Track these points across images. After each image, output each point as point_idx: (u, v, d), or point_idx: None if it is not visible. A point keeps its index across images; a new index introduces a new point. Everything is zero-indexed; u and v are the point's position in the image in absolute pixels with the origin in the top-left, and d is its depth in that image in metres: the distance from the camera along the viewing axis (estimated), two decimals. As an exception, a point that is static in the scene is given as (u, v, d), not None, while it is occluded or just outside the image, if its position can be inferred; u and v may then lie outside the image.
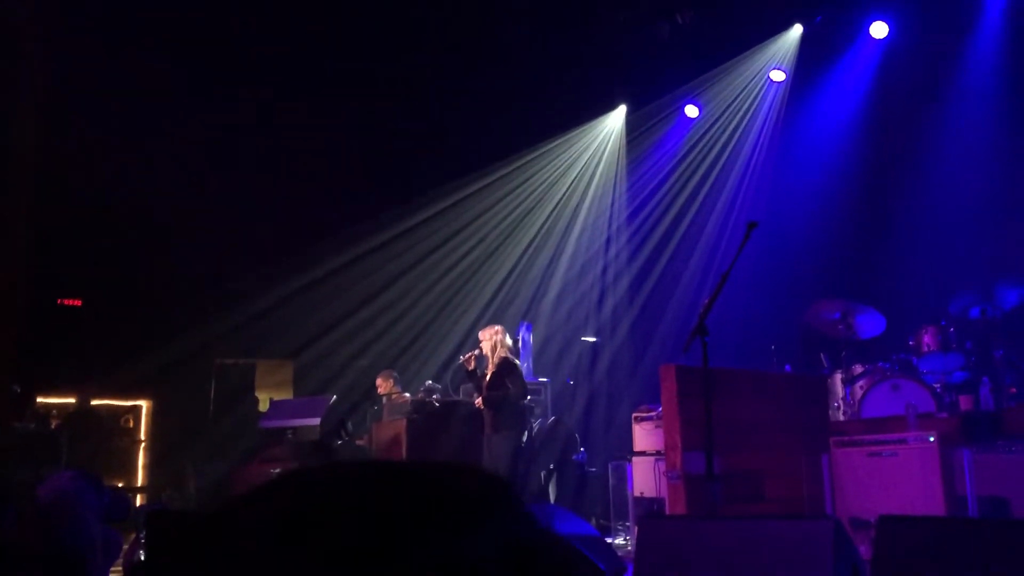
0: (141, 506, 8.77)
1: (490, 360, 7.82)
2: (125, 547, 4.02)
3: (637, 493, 7.37)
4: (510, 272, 12.49)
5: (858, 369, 7.51)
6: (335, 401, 9.48)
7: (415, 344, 11.99)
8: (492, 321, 8.92)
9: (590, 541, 4.92)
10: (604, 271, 12.59)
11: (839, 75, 10.73)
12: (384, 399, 9.45)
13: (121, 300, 11.07)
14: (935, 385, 7.07)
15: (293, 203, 11.57)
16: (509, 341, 8.01)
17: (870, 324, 7.83)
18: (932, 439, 5.76)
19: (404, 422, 8.63)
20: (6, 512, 3.30)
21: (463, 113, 11.44)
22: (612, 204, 12.78)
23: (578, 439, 9.44)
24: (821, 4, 10.59)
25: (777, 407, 6.63)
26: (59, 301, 11.32)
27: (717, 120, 11.82)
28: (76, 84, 9.26)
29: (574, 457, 9.17)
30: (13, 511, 3.36)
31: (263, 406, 11.20)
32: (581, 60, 11.21)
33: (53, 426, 9.65)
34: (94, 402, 10.93)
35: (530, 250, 12.62)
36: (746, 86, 11.59)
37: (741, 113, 11.67)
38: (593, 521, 8.58)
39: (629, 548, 7.00)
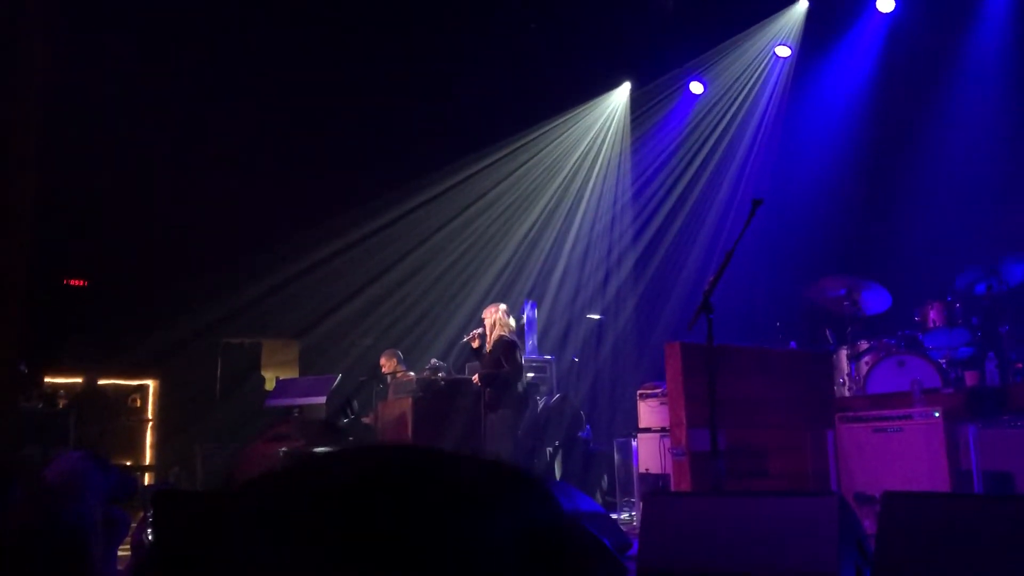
0: (149, 485, 8.82)
1: (488, 338, 7.86)
2: (133, 526, 4.04)
3: (642, 470, 7.40)
4: (515, 250, 12.48)
5: (863, 345, 7.50)
6: (341, 380, 9.50)
7: (420, 323, 12.01)
8: (497, 299, 8.93)
9: (596, 518, 4.95)
10: (609, 249, 12.57)
11: (845, 50, 10.66)
12: (389, 378, 9.47)
13: (127, 280, 11.08)
14: (941, 361, 7.07)
15: (298, 182, 11.55)
16: (510, 319, 8.02)
17: (876, 300, 7.82)
18: (937, 415, 5.77)
19: (409, 401, 8.65)
20: (12, 491, 3.32)
21: (466, 92, 11.38)
22: (617, 182, 12.74)
23: (583, 416, 9.47)
24: (827, -22, 10.52)
25: (782, 384, 6.63)
26: (65, 281, 11.33)
27: (722, 97, 11.76)
28: (79, 62, 9.22)
29: (579, 434, 9.20)
30: (20, 490, 3.38)
31: (269, 385, 11.23)
32: (585, 37, 11.13)
33: (60, 406, 9.69)
34: (101, 382, 10.97)
35: (535, 229, 12.60)
36: (751, 62, 11.52)
37: (746, 89, 11.61)
38: (598, 497, 8.62)
39: (634, 524, 7.03)
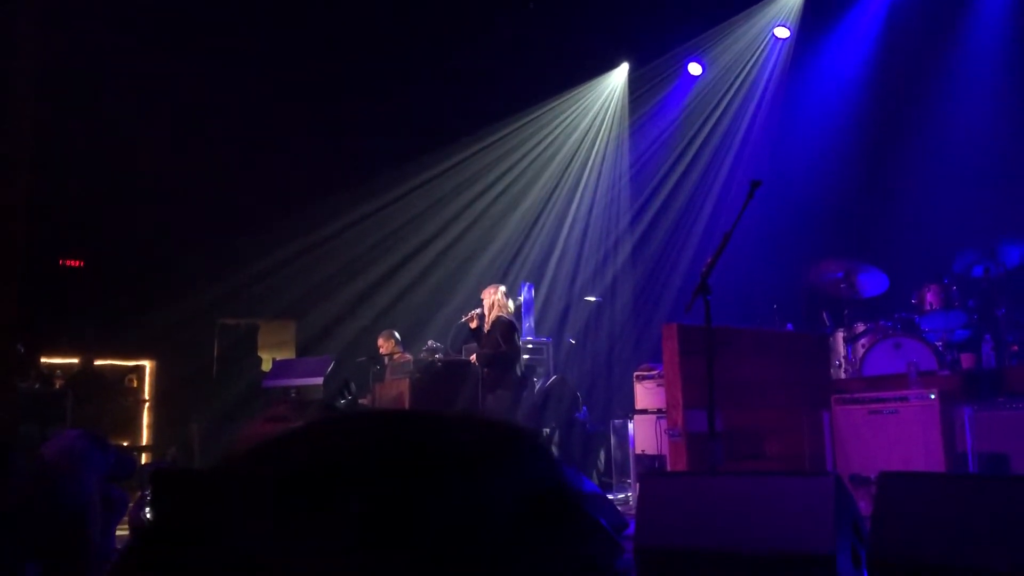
0: (146, 464, 8.83)
1: (487, 318, 7.87)
2: (131, 505, 4.05)
3: (638, 451, 7.42)
4: (513, 232, 12.47)
5: (860, 327, 7.52)
6: (338, 361, 9.50)
7: (418, 304, 12.00)
8: (495, 281, 8.93)
9: (592, 498, 4.96)
10: (607, 230, 12.57)
11: (844, 32, 10.62)
12: (386, 359, 9.48)
13: (123, 261, 11.06)
14: (937, 343, 7.09)
15: (295, 163, 11.52)
16: (509, 301, 8.02)
17: (873, 283, 7.83)
18: (933, 397, 5.79)
19: (407, 382, 8.66)
20: (11, 470, 3.32)
21: (465, 73, 11.34)
22: (615, 163, 12.72)
23: (580, 398, 9.48)
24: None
25: (779, 365, 6.65)
26: (61, 262, 11.30)
27: (721, 78, 11.72)
28: (76, 40, 9.17)
29: (576, 415, 9.22)
30: (19, 469, 3.38)
31: (266, 366, 11.24)
32: (583, 17, 11.08)
33: (57, 386, 9.69)
34: (98, 362, 10.97)
35: (533, 210, 12.58)
36: (750, 43, 11.47)
37: (745, 71, 11.57)
38: (595, 478, 8.65)
39: (631, 505, 7.06)
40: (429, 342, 9.46)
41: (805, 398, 6.58)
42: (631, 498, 7.39)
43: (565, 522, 0.52)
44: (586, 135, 12.76)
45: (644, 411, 7.47)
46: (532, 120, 12.44)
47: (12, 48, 7.75)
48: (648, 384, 7.52)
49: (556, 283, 12.06)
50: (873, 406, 6.05)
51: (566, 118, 12.66)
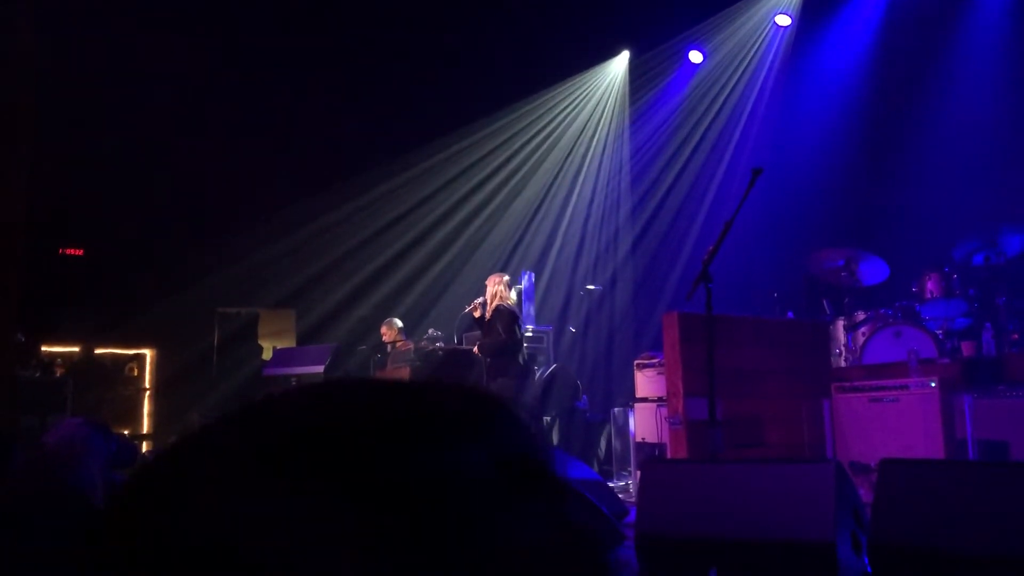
0: (147, 453, 8.84)
1: (489, 307, 7.87)
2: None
3: (639, 439, 7.43)
4: (514, 220, 12.46)
5: (860, 316, 7.52)
6: (337, 349, 9.51)
7: (418, 292, 12.01)
8: (496, 269, 8.93)
9: (593, 485, 4.97)
10: (608, 219, 12.56)
11: (845, 20, 10.60)
12: (389, 347, 9.49)
13: (123, 249, 11.06)
14: (937, 331, 7.09)
15: (296, 150, 11.50)
16: (511, 290, 8.02)
17: (873, 271, 7.82)
18: (933, 385, 5.79)
19: (407, 370, 8.68)
20: (13, 458, 3.33)
21: (466, 61, 11.31)
22: (616, 151, 12.70)
23: (580, 386, 9.49)
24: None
25: (779, 353, 6.65)
26: (61, 250, 11.30)
27: (721, 66, 11.69)
28: (76, 29, 9.15)
29: (576, 404, 9.23)
30: (20, 456, 3.39)
31: (266, 354, 11.25)
32: (583, 5, 11.05)
33: (58, 375, 9.70)
34: (98, 351, 10.97)
35: (534, 198, 12.57)
36: (751, 31, 11.44)
37: (746, 59, 11.54)
38: (595, 467, 8.66)
39: (631, 493, 7.07)
40: (430, 331, 9.48)
41: (805, 386, 6.59)
42: (631, 486, 7.40)
43: (545, 489, 0.52)
44: (587, 123, 12.74)
45: (645, 399, 7.47)
46: (533, 109, 12.42)
47: (14, 40, 7.74)
48: (648, 372, 7.52)
49: (557, 271, 12.06)
50: (873, 394, 6.05)
51: (567, 106, 12.64)
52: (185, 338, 11.47)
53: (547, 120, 12.57)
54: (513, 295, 8.06)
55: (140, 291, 10.83)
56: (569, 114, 12.67)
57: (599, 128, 12.75)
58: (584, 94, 12.68)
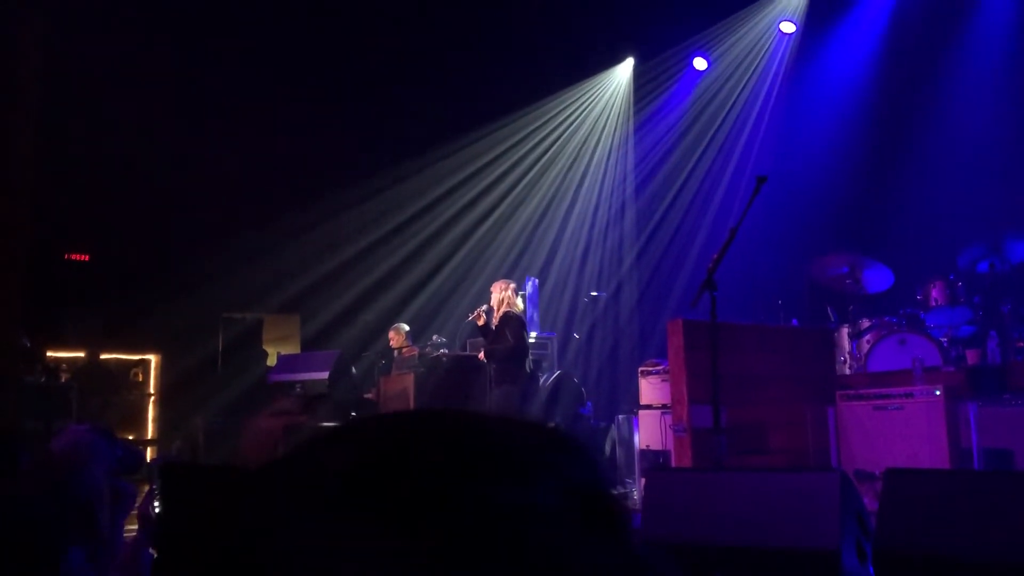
0: (153, 459, 8.85)
1: (496, 314, 7.86)
2: (140, 498, 4.07)
3: (643, 446, 7.42)
4: (518, 227, 12.46)
5: (865, 323, 7.51)
6: (341, 355, 9.52)
7: (423, 298, 12.01)
8: (500, 275, 8.93)
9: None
10: (612, 225, 12.56)
11: (850, 27, 10.60)
12: (395, 353, 9.50)
13: (128, 255, 11.08)
14: (942, 339, 7.07)
15: (301, 156, 11.51)
16: (517, 297, 8.02)
17: (878, 278, 7.81)
18: (938, 393, 5.78)
19: (411, 376, 8.68)
20: (19, 463, 3.34)
21: (471, 68, 11.33)
22: (621, 158, 12.70)
23: (584, 393, 9.48)
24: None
25: (783, 361, 6.65)
26: (66, 256, 11.32)
27: (726, 73, 11.70)
28: (79, 34, 9.17)
29: (580, 410, 9.22)
30: (26, 462, 3.40)
31: (271, 360, 11.25)
32: (588, 12, 11.06)
33: (63, 380, 9.71)
34: (103, 356, 10.99)
35: (539, 205, 12.57)
36: (756, 38, 11.45)
37: (751, 66, 11.55)
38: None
39: (636, 500, 7.07)
40: (434, 337, 9.48)
41: (810, 394, 6.58)
42: (636, 493, 7.39)
43: (613, 523, 0.52)
44: (592, 130, 12.75)
45: (649, 406, 7.47)
46: (538, 115, 12.43)
47: (17, 45, 7.76)
48: (653, 379, 7.52)
49: (561, 278, 12.06)
50: (878, 402, 6.04)
51: (572, 113, 12.65)
52: (190, 343, 11.48)
53: (552, 127, 12.58)
54: (520, 302, 8.06)
55: (145, 296, 10.84)
56: (574, 121, 12.68)
57: (604, 134, 12.76)
58: (589, 101, 12.69)
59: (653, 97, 12.33)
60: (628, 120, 12.62)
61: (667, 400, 6.64)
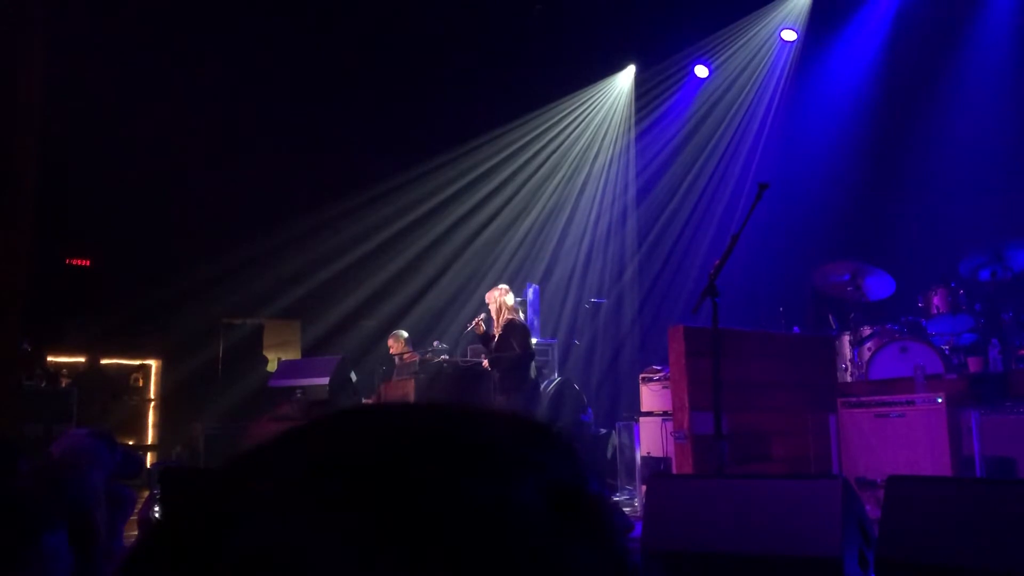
0: (154, 464, 8.84)
1: (496, 322, 7.83)
2: (140, 504, 4.06)
3: (644, 453, 7.41)
4: (519, 233, 12.47)
5: (866, 331, 7.49)
6: (343, 360, 9.51)
7: (423, 304, 12.01)
8: (501, 281, 8.92)
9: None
10: (613, 232, 12.56)
11: (851, 34, 10.61)
12: (396, 359, 9.49)
13: (129, 260, 11.08)
14: (944, 347, 7.06)
15: (302, 162, 11.53)
16: (512, 300, 7.98)
17: (879, 286, 7.80)
18: (940, 400, 5.77)
19: (412, 382, 8.67)
20: (18, 467, 3.33)
21: (471, 77, 11.35)
22: (622, 165, 12.71)
23: (585, 399, 9.48)
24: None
25: (785, 368, 6.64)
26: (67, 261, 11.33)
27: (727, 80, 11.71)
28: (81, 40, 9.19)
29: (581, 417, 9.21)
30: (25, 466, 3.39)
31: (271, 366, 11.24)
32: (589, 20, 11.08)
33: (63, 385, 9.71)
34: (103, 361, 10.99)
35: (540, 212, 12.58)
36: (757, 46, 11.46)
37: (752, 73, 11.56)
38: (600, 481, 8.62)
39: (637, 507, 7.05)
40: (435, 343, 9.47)
41: (811, 401, 6.57)
42: (637, 501, 7.38)
43: (595, 524, 0.51)
44: (593, 137, 12.76)
45: (650, 413, 7.45)
46: (539, 123, 12.44)
47: (21, 50, 7.78)
48: (654, 386, 7.51)
49: (562, 285, 12.06)
50: (879, 409, 6.03)
51: (573, 120, 12.66)
52: (190, 349, 11.48)
53: (553, 134, 12.60)
54: (512, 302, 8.01)
55: (145, 302, 10.85)
56: (575, 128, 12.70)
57: (605, 142, 12.77)
58: (590, 108, 12.71)
59: (655, 105, 12.34)
60: (629, 127, 12.63)
61: (668, 407, 6.62)
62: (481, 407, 0.54)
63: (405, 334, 9.79)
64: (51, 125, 8.40)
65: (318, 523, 0.44)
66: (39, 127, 7.90)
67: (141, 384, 11.79)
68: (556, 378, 9.30)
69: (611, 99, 12.72)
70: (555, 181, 12.64)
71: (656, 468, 7.10)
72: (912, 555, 3.15)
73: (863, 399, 6.25)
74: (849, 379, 7.28)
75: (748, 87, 11.59)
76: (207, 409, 10.55)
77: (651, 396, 7.52)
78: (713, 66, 11.75)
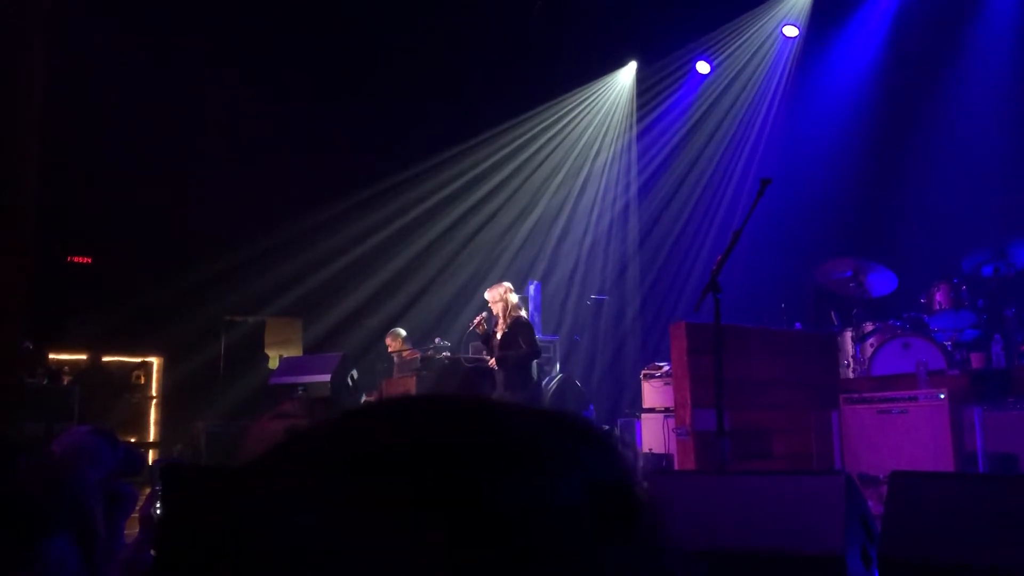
0: (155, 461, 8.84)
1: (502, 319, 7.80)
2: (141, 501, 4.05)
3: (646, 449, 7.41)
4: (521, 230, 12.45)
5: (869, 327, 7.48)
6: (344, 358, 9.50)
7: (425, 301, 12.01)
8: (503, 279, 8.91)
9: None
10: (615, 228, 12.55)
11: (853, 30, 10.59)
12: (395, 357, 9.48)
13: (130, 257, 11.08)
14: (946, 343, 7.05)
15: (303, 160, 11.51)
16: (515, 297, 7.97)
17: (881, 282, 7.79)
18: (942, 396, 5.76)
19: (414, 379, 8.66)
20: (18, 464, 3.32)
21: (472, 74, 11.33)
22: (624, 161, 12.70)
23: (587, 396, 9.47)
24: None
25: (787, 364, 6.63)
26: (69, 258, 11.32)
27: (729, 77, 11.69)
28: (83, 38, 9.18)
29: (583, 414, 9.20)
30: (25, 464, 3.38)
31: (273, 363, 11.23)
32: (590, 16, 11.06)
33: (65, 382, 9.70)
34: (105, 359, 10.98)
35: (541, 208, 12.56)
36: (759, 42, 11.44)
37: (754, 70, 11.54)
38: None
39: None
40: (436, 340, 9.46)
41: (813, 397, 6.56)
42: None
43: (639, 521, 0.50)
44: (595, 134, 12.75)
45: (652, 410, 7.46)
46: (540, 119, 12.42)
47: (21, 48, 7.77)
48: (656, 383, 7.51)
49: (564, 281, 12.05)
50: (882, 406, 6.03)
51: (574, 117, 12.65)
52: (192, 346, 11.47)
53: (555, 131, 12.58)
54: (516, 299, 8.00)
55: (147, 299, 10.84)
56: (577, 125, 12.68)
57: (607, 138, 12.75)
58: (592, 104, 12.69)
59: (656, 101, 12.33)
60: (631, 124, 12.62)
61: (670, 403, 6.62)
62: (527, 404, 0.53)
63: (403, 332, 9.79)
64: (51, 124, 8.39)
65: (351, 527, 0.42)
66: (40, 126, 7.89)
67: (143, 381, 11.77)
68: (558, 375, 9.30)
69: (613, 96, 12.70)
70: (557, 178, 12.63)
71: (658, 465, 7.09)
72: (915, 551, 3.14)
73: (865, 395, 6.25)
74: (851, 375, 7.27)
75: (750, 83, 11.57)
76: (209, 407, 10.54)
77: (653, 393, 7.52)
78: (715, 62, 11.73)
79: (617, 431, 8.35)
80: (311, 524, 0.43)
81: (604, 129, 12.75)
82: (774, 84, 11.41)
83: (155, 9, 9.97)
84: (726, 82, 11.71)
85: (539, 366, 8.88)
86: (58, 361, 10.62)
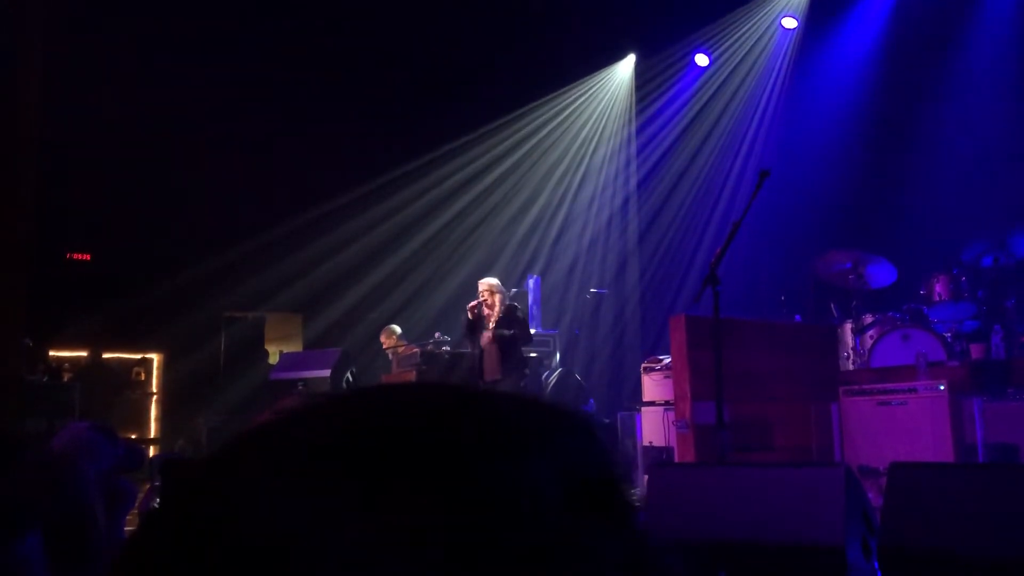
0: (155, 456, 8.85)
1: (495, 309, 7.88)
2: (141, 496, 4.06)
3: (646, 443, 7.41)
4: (521, 225, 12.45)
5: (868, 319, 7.47)
6: (345, 353, 9.51)
7: (425, 296, 12.01)
8: (504, 272, 8.94)
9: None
10: (614, 222, 12.54)
11: (852, 21, 10.57)
12: (390, 353, 9.49)
13: (130, 254, 11.08)
14: (946, 334, 7.04)
15: (302, 155, 11.51)
16: (503, 291, 8.10)
17: (881, 274, 7.78)
18: (942, 388, 5.76)
19: (413, 374, 8.67)
20: (16, 462, 3.32)
21: (470, 66, 11.31)
22: (622, 154, 12.68)
23: (587, 390, 9.48)
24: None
25: (787, 357, 6.62)
26: (68, 255, 11.32)
27: (727, 69, 11.67)
28: (82, 35, 9.17)
29: (583, 408, 9.21)
30: (24, 461, 3.38)
31: (273, 359, 11.24)
32: (589, 9, 11.04)
33: (65, 379, 9.71)
34: (105, 355, 10.99)
35: (540, 202, 12.55)
36: (757, 34, 11.43)
37: (752, 62, 11.53)
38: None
39: (638, 496, 7.04)
40: (436, 334, 9.47)
41: (813, 389, 6.56)
42: (639, 490, 7.38)
43: (616, 510, 0.49)
44: (593, 126, 12.73)
45: (651, 403, 7.45)
46: (539, 112, 12.41)
47: (20, 45, 7.76)
48: (655, 376, 7.50)
49: (563, 275, 12.04)
50: (882, 397, 6.02)
51: (573, 110, 12.63)
52: (192, 342, 11.48)
53: (553, 124, 12.56)
54: (504, 292, 8.13)
55: (147, 295, 10.85)
56: (575, 117, 12.66)
57: (605, 131, 12.74)
58: (590, 97, 12.67)
59: (655, 94, 12.31)
60: (630, 117, 12.60)
61: (670, 396, 6.62)
62: (507, 391, 0.52)
63: (398, 329, 9.80)
64: (51, 119, 8.38)
65: (329, 508, 0.42)
66: (39, 123, 7.88)
67: (143, 378, 11.79)
68: (558, 368, 9.30)
69: (611, 89, 12.68)
70: (556, 172, 12.62)
71: (658, 458, 7.09)
72: (915, 542, 3.14)
73: (865, 387, 6.24)
74: (851, 367, 7.27)
75: (749, 75, 11.55)
76: (209, 403, 10.56)
77: (653, 386, 7.52)
78: (714, 55, 11.71)
79: (617, 424, 8.37)
80: (289, 509, 0.43)
81: (603, 122, 12.73)
82: (773, 76, 11.40)
83: (155, 9, 9.95)
84: (725, 75, 11.69)
85: (539, 359, 8.90)
86: (58, 358, 10.64)
